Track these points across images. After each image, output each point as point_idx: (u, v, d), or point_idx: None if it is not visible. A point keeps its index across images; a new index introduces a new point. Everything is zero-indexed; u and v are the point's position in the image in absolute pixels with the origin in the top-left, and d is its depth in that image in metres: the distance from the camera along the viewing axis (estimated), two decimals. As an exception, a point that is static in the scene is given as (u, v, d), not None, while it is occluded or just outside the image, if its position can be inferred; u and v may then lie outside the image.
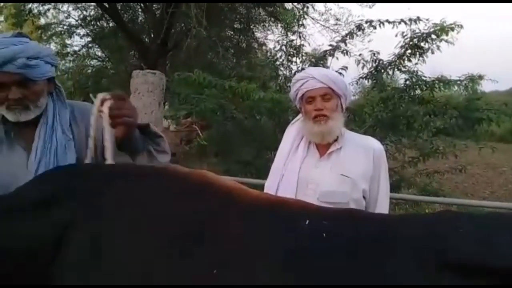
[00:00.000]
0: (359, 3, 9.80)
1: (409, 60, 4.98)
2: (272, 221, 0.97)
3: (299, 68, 5.65)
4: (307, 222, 0.94)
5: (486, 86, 5.40)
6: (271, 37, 11.51)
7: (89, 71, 12.73)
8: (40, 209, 1.03)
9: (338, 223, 0.96)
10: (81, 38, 11.66)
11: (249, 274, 0.88)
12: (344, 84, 1.87)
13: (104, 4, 8.19)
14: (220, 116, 5.68)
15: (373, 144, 1.89)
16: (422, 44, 4.80)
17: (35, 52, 1.42)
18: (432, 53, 4.83)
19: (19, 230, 1.02)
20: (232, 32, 11.28)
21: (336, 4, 10.21)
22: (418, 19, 4.73)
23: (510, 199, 10.22)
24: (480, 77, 4.81)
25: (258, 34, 11.93)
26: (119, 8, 9.62)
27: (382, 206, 1.87)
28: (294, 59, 5.73)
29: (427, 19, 4.74)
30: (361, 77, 5.48)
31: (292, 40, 5.67)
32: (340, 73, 5.15)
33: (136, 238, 0.96)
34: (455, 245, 0.82)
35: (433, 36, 4.69)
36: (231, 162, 6.56)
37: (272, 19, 10.43)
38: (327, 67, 5.41)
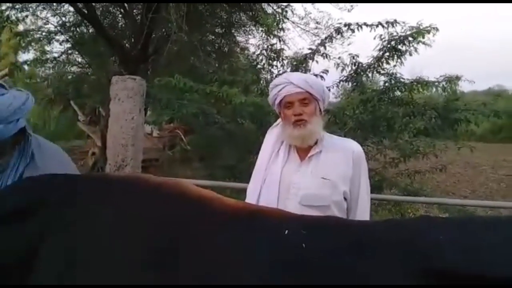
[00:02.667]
0: (338, 5, 9.89)
1: (388, 63, 5.06)
2: (249, 232, 0.96)
3: (280, 72, 5.69)
4: (286, 232, 0.94)
5: (464, 86, 5.51)
6: (253, 41, 11.55)
7: (69, 77, 12.56)
8: (12, 222, 1.01)
9: (317, 233, 0.96)
10: (60, 44, 11.46)
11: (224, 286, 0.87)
12: (322, 87, 1.88)
13: (83, 10, 8.09)
14: (202, 120, 5.68)
15: (352, 146, 1.91)
16: (399, 46, 4.88)
17: None
18: (410, 55, 4.92)
19: None
20: (213, 37, 11.27)
21: (315, 8, 10.27)
22: (395, 22, 4.81)
23: (490, 198, 10.41)
24: (458, 78, 4.91)
25: (239, 38, 11.96)
26: (99, 13, 9.53)
27: (364, 208, 1.89)
28: (274, 63, 5.76)
29: (403, 22, 4.83)
30: (341, 80, 5.53)
31: (273, 44, 5.70)
32: (321, 77, 5.20)
33: (110, 250, 0.94)
34: (436, 253, 0.83)
35: (410, 39, 4.78)
36: (214, 167, 6.56)
37: (253, 23, 10.45)
38: (309, 71, 5.45)
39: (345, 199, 1.85)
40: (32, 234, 0.99)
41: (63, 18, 10.78)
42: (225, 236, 0.96)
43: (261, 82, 5.92)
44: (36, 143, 1.50)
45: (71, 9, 9.45)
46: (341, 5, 10.03)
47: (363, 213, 1.88)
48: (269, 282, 0.87)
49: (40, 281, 0.93)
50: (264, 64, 5.89)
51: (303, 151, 1.88)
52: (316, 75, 5.06)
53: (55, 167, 1.51)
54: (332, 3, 9.53)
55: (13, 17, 10.31)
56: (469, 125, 5.08)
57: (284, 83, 1.84)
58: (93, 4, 8.91)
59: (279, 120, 2.00)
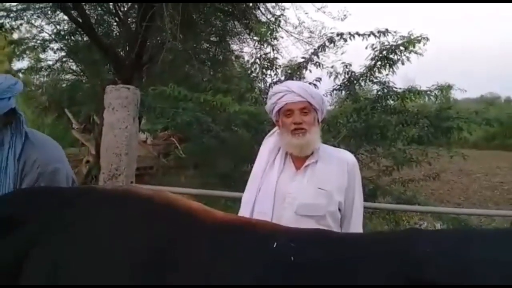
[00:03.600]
0: (331, 14, 9.98)
1: (380, 72, 5.10)
2: (237, 244, 0.97)
3: (274, 81, 5.71)
4: (275, 245, 0.95)
5: (458, 94, 5.57)
6: (247, 49, 11.59)
7: (64, 85, 12.55)
8: (2, 232, 1.01)
9: (306, 246, 0.97)
10: (55, 52, 11.46)
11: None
12: (321, 98, 1.90)
13: (78, 18, 8.10)
14: (197, 128, 5.68)
15: (347, 157, 1.92)
16: (391, 56, 4.92)
17: None
18: (402, 64, 4.97)
19: None
20: (208, 45, 11.30)
21: (309, 17, 10.33)
22: (387, 31, 4.86)
23: (484, 205, 10.47)
24: (449, 87, 4.96)
25: (234, 47, 12.00)
26: (94, 22, 9.54)
27: (357, 218, 1.90)
28: (268, 71, 5.79)
29: (395, 32, 4.88)
30: (334, 89, 5.57)
31: (267, 53, 5.73)
32: (315, 85, 5.23)
33: (98, 262, 0.95)
34: (424, 266, 0.84)
35: (401, 48, 4.82)
36: (209, 175, 6.55)
37: (248, 31, 10.50)
38: (303, 79, 5.49)
39: (339, 209, 1.86)
40: (21, 244, 0.99)
41: (58, 27, 10.80)
42: (213, 249, 0.96)
43: (255, 90, 5.94)
44: (28, 130, 1.57)
45: (66, 17, 9.46)
46: (335, 14, 10.14)
47: (356, 223, 1.89)
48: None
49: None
50: (258, 72, 5.91)
51: (299, 160, 1.89)
52: (310, 84, 5.09)
53: (50, 147, 1.60)
54: (325, 13, 9.63)
55: (8, 25, 10.32)
56: (461, 133, 5.12)
57: (285, 91, 1.84)
58: (88, 12, 8.93)
59: (275, 128, 2.01)
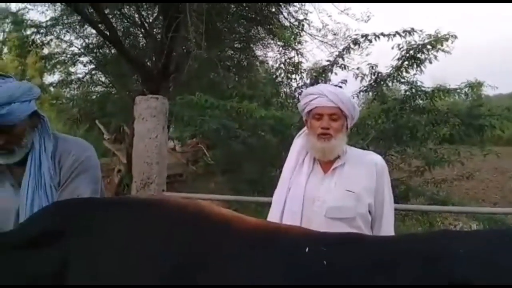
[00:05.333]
0: (354, 15, 9.90)
1: (407, 72, 5.03)
2: (270, 251, 0.98)
3: (299, 85, 5.71)
4: (307, 250, 0.95)
5: (489, 91, 5.44)
6: (271, 54, 11.62)
7: (94, 97, 12.86)
8: (40, 246, 1.04)
9: (338, 249, 0.97)
10: (84, 65, 11.78)
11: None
12: (353, 105, 1.89)
13: (105, 31, 8.32)
14: (224, 135, 5.73)
15: (375, 158, 1.91)
16: (418, 55, 4.85)
17: (6, 98, 1.38)
18: (430, 63, 4.88)
19: (20, 267, 1.04)
20: (232, 52, 11.39)
21: (332, 19, 10.25)
22: (413, 30, 4.79)
23: (521, 203, 10.13)
24: (480, 84, 4.84)
25: (258, 52, 12.04)
26: (120, 34, 9.77)
27: (388, 220, 1.88)
28: (293, 76, 5.79)
29: (421, 30, 4.81)
30: (361, 90, 5.52)
31: (291, 58, 5.75)
32: (340, 87, 5.18)
33: (136, 271, 0.97)
34: (456, 267, 0.83)
35: (429, 47, 4.75)
36: (237, 180, 6.58)
37: (271, 36, 10.53)
38: (329, 81, 5.47)
39: (369, 211, 1.85)
40: (58, 257, 1.02)
41: (86, 40, 11.12)
42: (246, 255, 0.98)
43: (281, 95, 5.95)
44: (57, 133, 1.66)
45: (94, 31, 9.72)
46: (358, 15, 10.05)
47: (387, 225, 1.87)
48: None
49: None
50: (283, 77, 5.92)
51: (327, 163, 1.89)
52: (336, 86, 5.05)
53: (81, 141, 1.68)
54: (348, 15, 9.56)
55: (38, 41, 10.70)
56: (494, 131, 4.98)
57: (317, 94, 1.85)
58: (114, 25, 9.15)
59: (304, 129, 2.01)
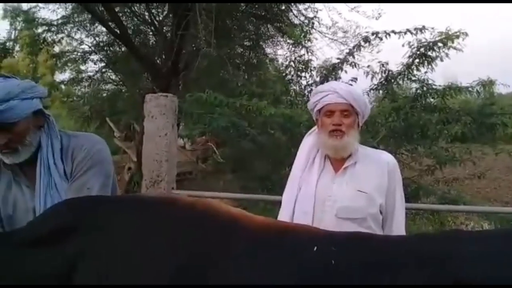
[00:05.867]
0: (365, 13, 9.84)
1: (418, 69, 4.99)
2: (278, 250, 0.97)
3: (309, 83, 5.69)
4: (315, 249, 0.95)
5: (502, 88, 5.38)
6: (281, 52, 11.59)
7: (104, 95, 12.94)
8: (52, 243, 1.05)
9: (347, 249, 0.96)
10: (95, 63, 11.85)
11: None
12: (364, 102, 1.88)
13: (116, 30, 8.37)
14: (233, 133, 5.73)
15: (387, 158, 1.89)
16: (429, 53, 4.81)
17: (3, 94, 1.36)
18: (441, 60, 4.84)
19: (32, 263, 1.05)
20: (242, 49, 11.39)
21: (342, 17, 10.18)
22: (424, 28, 4.75)
23: (534, 202, 10.01)
24: (492, 82, 4.78)
25: (268, 50, 12.02)
26: (131, 33, 9.82)
27: (399, 220, 1.86)
28: (303, 74, 5.77)
29: (432, 28, 4.76)
30: (371, 88, 5.49)
31: (301, 56, 5.73)
32: (350, 85, 5.16)
33: (143, 270, 0.97)
34: (466, 267, 0.82)
35: (440, 44, 4.70)
36: (247, 178, 6.59)
37: (281, 34, 10.50)
38: (339, 79, 5.45)
39: (380, 211, 1.83)
40: (70, 254, 1.02)
41: (97, 38, 11.19)
42: (253, 253, 0.97)
43: (291, 93, 5.93)
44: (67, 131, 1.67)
45: (104, 29, 9.79)
46: (369, 13, 9.98)
47: (398, 225, 1.86)
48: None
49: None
50: (293, 75, 5.90)
51: (338, 162, 1.87)
52: (346, 83, 5.02)
53: (92, 135, 1.69)
54: (359, 12, 9.50)
55: (49, 39, 10.79)
56: (506, 129, 4.93)
57: (329, 91, 1.83)
58: (125, 23, 9.20)
59: (314, 127, 1.99)
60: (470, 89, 4.80)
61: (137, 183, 8.63)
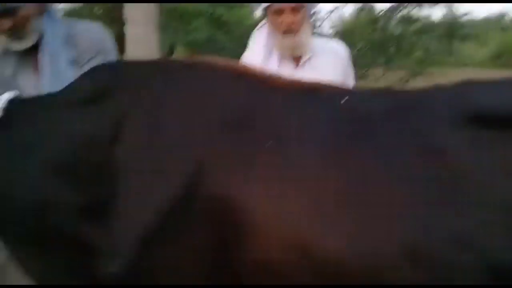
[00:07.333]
0: None
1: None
2: (308, 103, 1.03)
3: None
4: (342, 102, 1.00)
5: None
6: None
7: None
8: (96, 101, 1.08)
9: (371, 99, 1.03)
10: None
11: (301, 149, 0.93)
12: None
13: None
14: (211, 48, 5.60)
15: (339, 47, 1.89)
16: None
17: None
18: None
19: (80, 120, 1.07)
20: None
21: None
22: None
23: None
24: None
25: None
26: None
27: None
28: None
29: None
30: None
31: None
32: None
33: (187, 123, 1.00)
34: (481, 100, 0.91)
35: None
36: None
37: None
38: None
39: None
40: (115, 110, 1.05)
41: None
42: (287, 107, 1.03)
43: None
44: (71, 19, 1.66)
45: None
46: None
47: None
48: (334, 139, 0.95)
49: (125, 151, 1.00)
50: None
51: (295, 58, 1.84)
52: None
53: (97, 28, 1.62)
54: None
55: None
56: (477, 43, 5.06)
57: None
58: None
59: (264, 21, 1.86)
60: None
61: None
